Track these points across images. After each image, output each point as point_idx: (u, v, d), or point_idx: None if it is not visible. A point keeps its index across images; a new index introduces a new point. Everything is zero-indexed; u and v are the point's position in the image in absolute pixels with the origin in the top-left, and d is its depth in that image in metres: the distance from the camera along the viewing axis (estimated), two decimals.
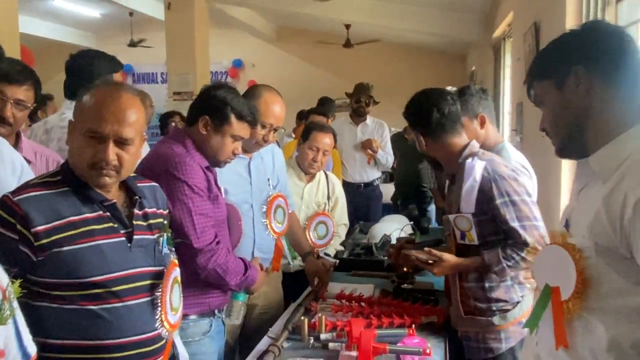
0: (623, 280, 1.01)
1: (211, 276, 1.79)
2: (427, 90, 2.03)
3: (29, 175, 1.67)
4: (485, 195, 1.80)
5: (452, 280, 1.97)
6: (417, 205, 4.27)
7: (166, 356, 1.48)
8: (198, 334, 1.81)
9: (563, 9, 2.71)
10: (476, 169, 1.81)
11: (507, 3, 4.81)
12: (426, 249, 1.98)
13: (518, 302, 1.87)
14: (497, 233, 1.83)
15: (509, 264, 1.77)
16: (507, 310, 1.85)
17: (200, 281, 1.80)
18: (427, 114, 1.90)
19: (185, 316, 1.68)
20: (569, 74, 1.10)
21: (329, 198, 2.96)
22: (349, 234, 3.50)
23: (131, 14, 8.39)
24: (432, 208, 4.65)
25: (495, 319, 1.84)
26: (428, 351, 1.73)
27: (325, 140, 2.82)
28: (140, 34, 8.91)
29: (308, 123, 3.14)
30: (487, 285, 1.86)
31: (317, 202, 2.89)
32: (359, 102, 4.57)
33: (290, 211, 2.46)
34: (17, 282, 1.01)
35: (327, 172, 3.12)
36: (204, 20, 7.22)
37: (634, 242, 0.96)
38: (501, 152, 2.10)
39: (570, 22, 2.64)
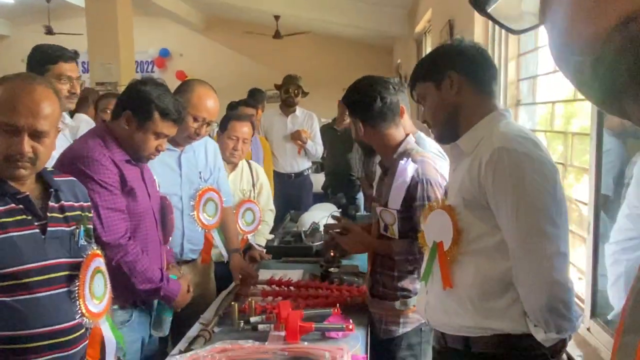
0: (483, 225, 1.36)
1: (119, 271, 1.78)
2: (370, 77, 2.05)
3: None
4: (410, 195, 1.89)
5: (368, 264, 2.12)
6: (345, 193, 4.43)
7: (96, 343, 1.51)
8: (117, 323, 1.82)
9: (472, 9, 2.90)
10: (408, 171, 1.89)
11: (427, 0, 5.03)
12: (335, 214, 2.12)
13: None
14: (415, 230, 1.90)
15: (410, 257, 1.91)
16: (409, 297, 1.99)
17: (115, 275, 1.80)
18: (370, 102, 1.93)
19: None
20: (445, 78, 1.44)
21: (253, 185, 3.01)
22: (280, 222, 3.59)
23: None
24: (360, 196, 4.81)
25: (397, 304, 1.99)
26: (351, 327, 1.86)
27: (244, 129, 2.85)
28: (58, 21, 8.50)
29: (226, 114, 3.16)
30: (396, 274, 2.00)
31: (242, 190, 2.94)
32: (288, 93, 4.66)
33: (224, 205, 2.49)
34: None
35: (250, 161, 3.17)
36: (127, 7, 6.99)
37: (487, 192, 1.32)
38: (418, 141, 2.26)
39: (479, 21, 2.86)
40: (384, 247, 2.00)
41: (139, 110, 1.86)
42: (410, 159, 1.92)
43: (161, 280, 1.90)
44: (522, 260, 1.29)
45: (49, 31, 8.28)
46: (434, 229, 1.45)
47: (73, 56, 2.32)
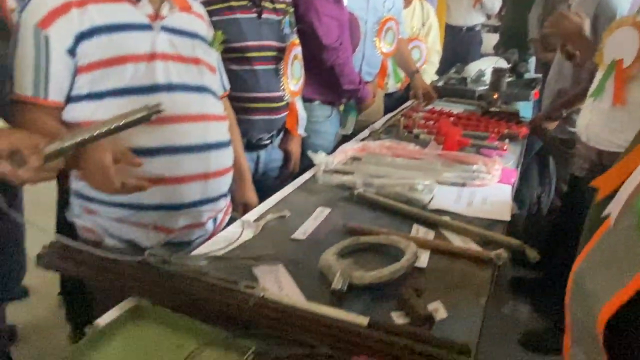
0: None
1: (330, 73, 2.14)
2: None
3: None
4: None
5: None
6: (519, 52, 4.31)
7: (293, 116, 1.92)
8: (322, 116, 2.24)
9: None
10: None
11: None
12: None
13: None
14: None
15: None
16: None
17: (324, 75, 2.16)
18: None
19: (311, 100, 2.12)
20: None
21: (423, 24, 3.12)
22: (445, 73, 3.69)
23: None
24: (532, 60, 4.63)
25: None
26: (505, 147, 2.04)
27: None
28: None
29: None
30: None
31: (412, 27, 3.06)
32: None
33: (400, 36, 2.68)
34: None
35: (423, 1, 3.23)
36: None
37: None
38: None
39: None
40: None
41: None
42: None
43: (359, 83, 2.26)
44: None
45: None
46: (616, 45, 1.48)
47: None
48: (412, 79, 2.76)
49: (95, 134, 0.94)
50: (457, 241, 1.33)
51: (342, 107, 2.40)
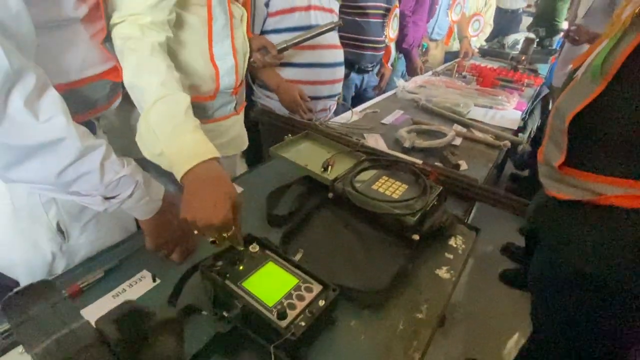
0: None
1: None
2: None
3: None
4: None
5: None
6: (546, 30, 3.87)
7: (388, 54, 1.95)
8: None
9: None
10: None
11: None
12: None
13: None
14: None
15: None
16: None
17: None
18: None
19: None
20: None
21: (485, 4, 2.90)
22: (491, 38, 3.43)
23: None
24: (557, 39, 4.14)
25: None
26: (522, 89, 2.00)
27: None
28: None
29: None
30: None
31: (478, 5, 2.87)
32: None
33: (463, 10, 2.54)
34: None
35: None
36: None
37: None
38: None
39: None
40: None
41: None
42: None
43: (411, 45, 2.16)
44: None
45: None
46: None
47: None
48: (462, 41, 2.66)
49: (303, 38, 1.10)
50: (480, 135, 1.43)
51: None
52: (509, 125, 1.55)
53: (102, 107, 0.65)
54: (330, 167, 0.91)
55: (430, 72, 2.30)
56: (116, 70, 0.64)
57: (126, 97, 0.67)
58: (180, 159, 0.57)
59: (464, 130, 1.46)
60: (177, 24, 0.77)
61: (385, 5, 1.80)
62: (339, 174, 0.87)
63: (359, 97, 2.01)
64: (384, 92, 1.96)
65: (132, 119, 0.83)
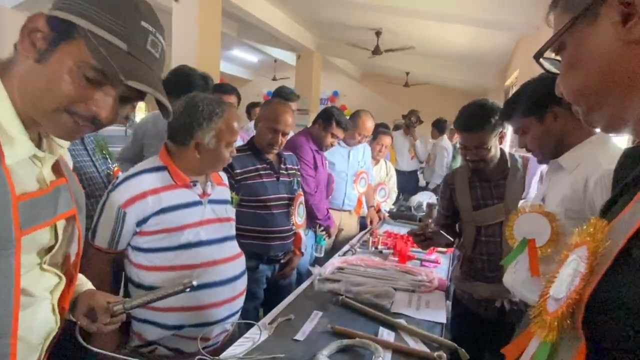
0: None
1: (309, 209, 2.07)
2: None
3: None
4: None
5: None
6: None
7: (298, 242, 1.84)
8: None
9: None
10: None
11: (515, 63, 4.68)
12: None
13: None
14: None
15: None
16: None
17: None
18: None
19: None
20: (548, 112, 1.09)
21: (387, 174, 3.19)
22: (397, 200, 3.71)
23: (275, 60, 8.92)
24: None
25: None
26: (439, 261, 1.97)
27: (387, 140, 3.03)
28: (280, 73, 9.43)
29: (375, 129, 3.24)
30: None
31: (380, 176, 3.13)
32: (410, 120, 4.73)
33: (369, 182, 2.74)
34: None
35: (386, 160, 3.33)
36: (319, 66, 7.57)
37: (596, 206, 0.93)
38: None
39: None
40: None
41: (325, 120, 2.18)
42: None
43: (327, 216, 2.21)
44: None
45: (274, 78, 9.25)
46: (526, 228, 1.08)
47: (295, 98, 2.72)
48: (369, 210, 2.76)
49: (147, 299, 0.85)
50: (410, 341, 1.22)
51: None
52: (437, 317, 1.39)
53: None
54: None
55: (347, 247, 2.22)
56: None
57: None
58: None
59: (392, 336, 1.24)
60: None
61: (288, 195, 1.77)
62: None
63: (274, 289, 1.77)
64: (298, 284, 1.75)
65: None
